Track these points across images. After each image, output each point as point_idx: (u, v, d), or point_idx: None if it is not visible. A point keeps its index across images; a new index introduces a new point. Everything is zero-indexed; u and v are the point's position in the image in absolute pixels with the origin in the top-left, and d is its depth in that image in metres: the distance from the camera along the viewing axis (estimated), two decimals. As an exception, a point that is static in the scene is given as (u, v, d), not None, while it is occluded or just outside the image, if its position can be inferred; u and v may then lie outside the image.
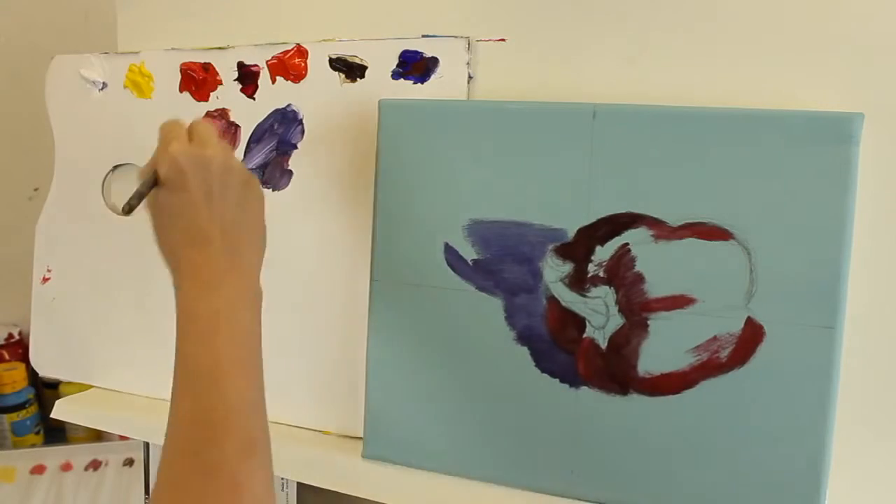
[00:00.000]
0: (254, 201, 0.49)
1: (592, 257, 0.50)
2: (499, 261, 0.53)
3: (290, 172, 0.63)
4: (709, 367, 0.48)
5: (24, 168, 1.07)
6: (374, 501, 0.59)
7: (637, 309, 0.49)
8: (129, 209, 0.47)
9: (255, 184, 0.49)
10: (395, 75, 0.58)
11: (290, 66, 0.62)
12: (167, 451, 0.41)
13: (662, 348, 0.49)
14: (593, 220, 0.50)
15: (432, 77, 0.57)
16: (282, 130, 0.63)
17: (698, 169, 0.47)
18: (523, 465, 0.53)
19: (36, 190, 1.08)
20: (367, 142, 0.58)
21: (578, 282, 0.51)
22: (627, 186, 0.49)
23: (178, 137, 0.47)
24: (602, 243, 0.50)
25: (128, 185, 0.70)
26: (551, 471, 0.52)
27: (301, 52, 0.62)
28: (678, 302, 0.48)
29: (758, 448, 0.47)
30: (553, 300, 0.52)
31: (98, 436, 1.07)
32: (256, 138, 0.64)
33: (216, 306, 0.44)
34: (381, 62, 0.59)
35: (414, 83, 0.57)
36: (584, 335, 0.51)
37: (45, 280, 0.74)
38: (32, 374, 1.06)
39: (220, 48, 0.65)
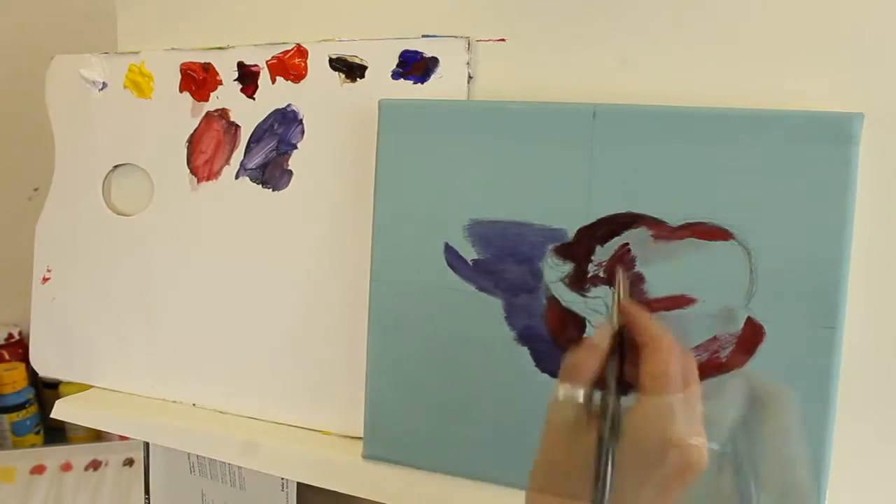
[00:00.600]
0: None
1: (592, 257, 0.50)
2: (499, 261, 0.53)
3: (290, 172, 0.63)
4: (709, 367, 0.48)
5: (24, 168, 1.07)
6: (374, 501, 0.59)
7: (637, 309, 0.49)
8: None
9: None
10: (395, 75, 0.58)
11: (290, 66, 0.62)
12: None
13: (662, 348, 0.49)
14: (593, 220, 0.50)
15: (432, 77, 0.57)
16: (282, 130, 0.63)
17: (698, 169, 0.47)
18: (524, 465, 0.53)
19: (36, 190, 1.08)
20: (367, 142, 0.58)
21: (578, 282, 0.51)
22: (627, 186, 0.49)
23: (679, 403, 0.36)
24: (602, 243, 0.50)
25: (128, 186, 0.71)
26: (551, 471, 0.52)
27: (301, 52, 0.62)
28: (678, 302, 0.48)
29: (757, 448, 0.47)
30: (553, 300, 0.52)
31: (98, 436, 1.07)
32: (256, 138, 0.64)
33: None
34: (381, 62, 0.59)
35: (414, 83, 0.57)
36: (584, 335, 0.51)
37: (45, 280, 0.74)
38: (32, 374, 1.06)
39: (220, 48, 0.65)
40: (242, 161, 0.64)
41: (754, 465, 0.36)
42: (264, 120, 0.63)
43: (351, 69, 0.60)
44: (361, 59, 0.59)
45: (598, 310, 0.50)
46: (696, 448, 0.35)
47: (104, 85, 0.70)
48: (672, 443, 0.34)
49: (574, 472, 0.36)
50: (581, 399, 0.38)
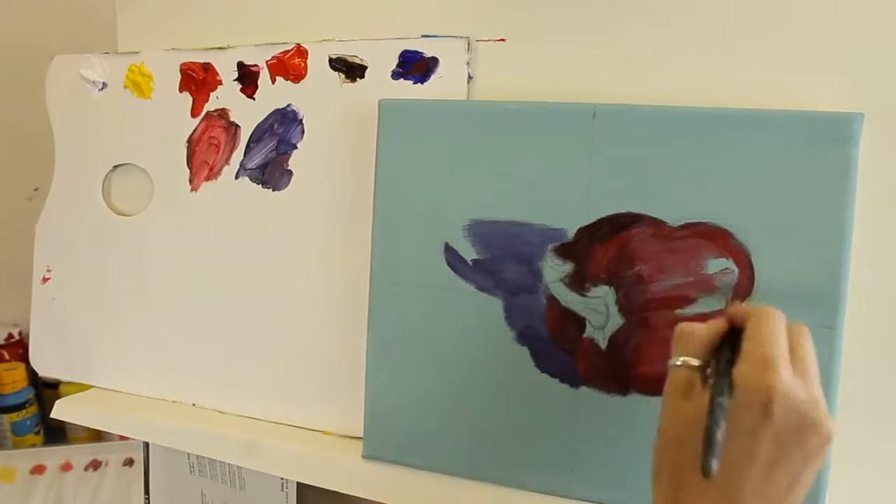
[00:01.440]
0: (812, 473, 0.35)
1: (592, 257, 0.50)
2: (499, 261, 0.53)
3: (290, 172, 0.63)
4: (709, 367, 0.48)
5: (24, 168, 1.07)
6: (374, 501, 0.59)
7: (637, 309, 0.49)
8: (708, 469, 0.34)
9: (826, 450, 0.36)
10: (395, 75, 0.58)
11: (290, 66, 0.62)
12: None
13: (662, 348, 0.49)
14: (593, 220, 0.50)
15: (432, 77, 0.57)
16: (282, 130, 0.63)
17: (698, 169, 0.47)
18: (523, 465, 0.53)
19: (36, 190, 1.08)
20: (367, 142, 0.58)
21: (578, 282, 0.51)
22: (627, 186, 0.49)
23: (779, 359, 0.35)
24: (602, 243, 0.50)
25: (128, 186, 0.71)
26: (551, 471, 0.52)
27: (301, 52, 0.62)
28: (678, 302, 0.48)
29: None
30: (553, 300, 0.52)
31: (98, 436, 1.07)
32: (256, 138, 0.64)
33: None
34: (381, 62, 0.59)
35: (414, 83, 0.57)
36: (584, 335, 0.51)
37: (45, 280, 0.74)
38: (32, 374, 1.06)
39: (220, 48, 0.65)
40: (242, 161, 0.64)
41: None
42: (264, 120, 0.63)
43: (351, 69, 0.60)
44: (361, 59, 0.59)
45: (598, 310, 0.50)
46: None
47: (104, 85, 0.70)
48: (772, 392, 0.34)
49: (689, 438, 0.36)
50: (696, 363, 0.38)
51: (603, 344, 0.50)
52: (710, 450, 0.34)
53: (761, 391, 0.34)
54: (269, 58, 0.63)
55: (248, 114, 0.64)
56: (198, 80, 0.66)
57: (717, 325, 0.39)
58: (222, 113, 0.65)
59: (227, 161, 0.65)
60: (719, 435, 0.34)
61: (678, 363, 0.39)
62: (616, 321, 0.50)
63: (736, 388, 0.35)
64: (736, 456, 0.34)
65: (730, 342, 0.38)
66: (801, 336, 0.38)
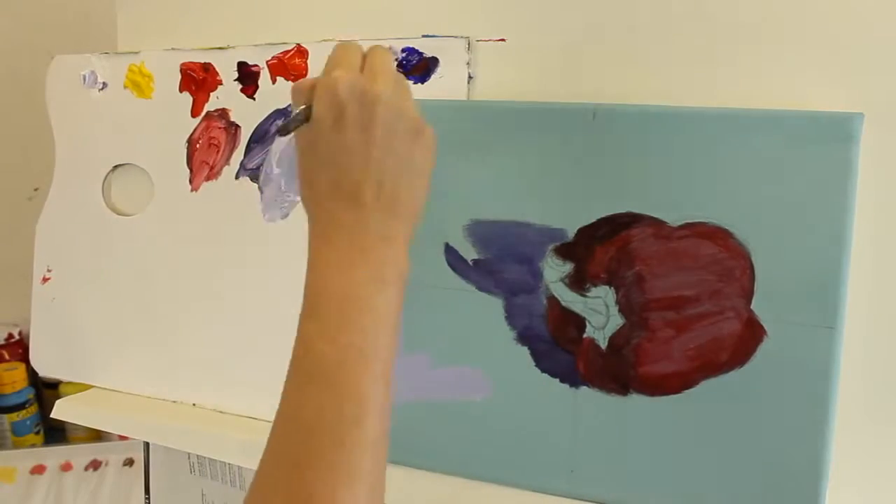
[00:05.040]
0: (420, 157, 0.41)
1: (592, 257, 0.50)
2: (499, 261, 0.53)
3: (290, 172, 0.63)
4: (709, 367, 0.48)
5: (24, 168, 1.07)
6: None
7: (637, 309, 0.49)
8: (283, 132, 0.40)
9: (427, 136, 0.41)
10: (395, 75, 0.58)
11: (290, 66, 0.62)
12: (272, 457, 0.36)
13: (662, 348, 0.49)
14: (593, 220, 0.50)
15: (432, 77, 0.57)
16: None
17: (698, 169, 0.47)
18: (524, 465, 0.53)
19: (36, 190, 1.08)
20: (367, 142, 0.58)
21: (578, 282, 0.51)
22: (627, 186, 0.49)
23: (345, 64, 0.39)
24: (602, 243, 0.50)
25: (128, 186, 0.71)
26: (551, 471, 0.52)
27: (301, 52, 0.62)
28: (678, 302, 0.48)
29: (757, 448, 0.47)
30: (553, 300, 0.52)
31: (98, 436, 1.07)
32: (257, 138, 0.64)
33: (356, 282, 0.37)
34: (381, 62, 0.58)
35: (414, 83, 0.57)
36: (584, 335, 0.51)
37: (45, 280, 0.74)
38: (32, 374, 1.06)
39: (220, 48, 0.65)
40: (242, 161, 0.64)
41: None
42: (264, 120, 0.63)
43: (351, 69, 0.60)
44: (361, 59, 0.59)
45: (598, 310, 0.50)
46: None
47: (104, 85, 0.70)
48: None
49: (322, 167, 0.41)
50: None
51: (603, 344, 0.50)
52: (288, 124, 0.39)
53: (327, 87, 0.38)
54: (270, 58, 0.63)
55: (249, 114, 0.64)
56: (198, 80, 0.66)
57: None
58: (222, 113, 0.65)
59: (227, 161, 0.65)
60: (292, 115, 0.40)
61: (297, 111, 0.40)
62: (616, 321, 0.50)
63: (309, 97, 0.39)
64: (333, 152, 0.38)
65: None
66: (373, 51, 0.41)
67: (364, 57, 0.41)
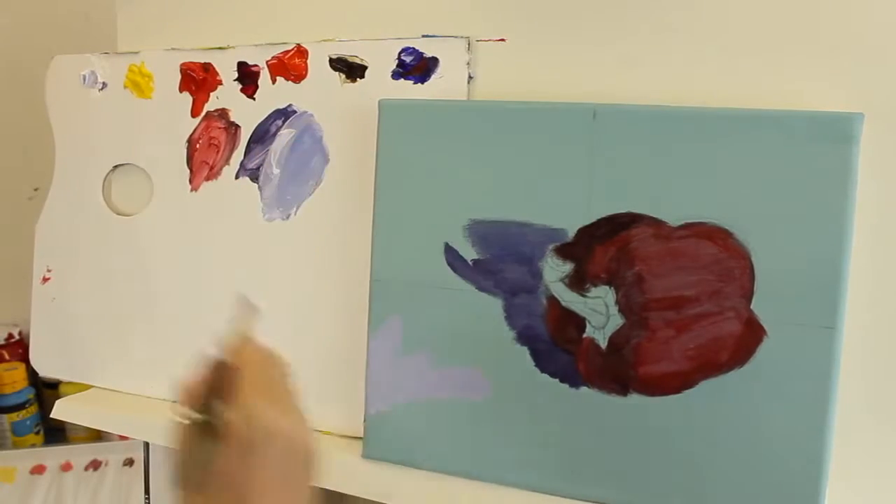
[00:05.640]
0: (298, 484, 0.41)
1: (592, 257, 0.50)
2: (499, 261, 0.53)
3: (290, 172, 0.63)
4: (709, 367, 0.48)
5: (24, 168, 1.07)
6: (374, 501, 0.59)
7: (637, 309, 0.49)
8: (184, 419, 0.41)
9: (310, 467, 0.42)
10: (395, 75, 0.58)
11: (290, 66, 0.62)
12: None
13: (662, 348, 0.49)
14: (593, 220, 0.50)
15: (432, 77, 0.57)
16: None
17: (698, 169, 0.47)
18: (524, 465, 0.53)
19: (36, 190, 1.08)
20: (367, 142, 0.58)
21: (578, 282, 0.51)
22: (627, 186, 0.49)
23: (260, 392, 0.40)
24: (602, 243, 0.50)
25: (128, 186, 0.71)
26: (551, 471, 0.52)
27: (301, 52, 0.62)
28: (678, 302, 0.48)
29: (757, 448, 0.47)
30: (553, 300, 0.52)
31: (98, 436, 1.07)
32: (257, 138, 0.64)
33: None
34: (381, 62, 0.59)
35: (414, 83, 0.57)
36: (584, 335, 0.51)
37: (45, 280, 0.74)
38: (32, 374, 1.06)
39: (220, 48, 0.65)
40: (242, 161, 0.64)
41: None
42: (265, 120, 0.63)
43: (351, 69, 0.60)
44: (361, 59, 0.59)
45: (598, 310, 0.50)
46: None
47: (104, 85, 0.70)
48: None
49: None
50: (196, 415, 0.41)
51: (603, 344, 0.50)
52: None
53: (240, 425, 0.38)
54: (270, 58, 0.63)
55: (249, 114, 0.64)
56: (198, 80, 0.66)
57: (206, 375, 0.43)
58: (222, 113, 0.65)
59: (227, 161, 0.65)
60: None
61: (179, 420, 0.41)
62: (616, 321, 0.50)
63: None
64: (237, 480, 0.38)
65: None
66: (280, 372, 0.43)
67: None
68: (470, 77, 0.56)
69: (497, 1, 0.55)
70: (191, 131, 0.67)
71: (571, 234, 0.51)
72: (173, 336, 0.68)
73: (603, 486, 0.51)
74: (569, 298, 0.51)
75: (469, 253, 0.54)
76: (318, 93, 0.61)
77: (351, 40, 0.60)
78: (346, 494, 0.59)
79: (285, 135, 0.62)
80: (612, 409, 0.50)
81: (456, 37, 0.56)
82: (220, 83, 0.65)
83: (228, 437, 0.38)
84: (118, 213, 0.71)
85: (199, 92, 0.66)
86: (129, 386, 0.71)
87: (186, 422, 0.41)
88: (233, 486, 0.38)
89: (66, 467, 1.02)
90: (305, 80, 0.62)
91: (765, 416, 0.47)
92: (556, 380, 0.52)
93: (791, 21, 0.47)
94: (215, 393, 0.41)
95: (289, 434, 0.40)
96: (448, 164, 0.54)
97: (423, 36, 0.57)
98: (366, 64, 0.59)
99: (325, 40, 0.61)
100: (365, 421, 0.57)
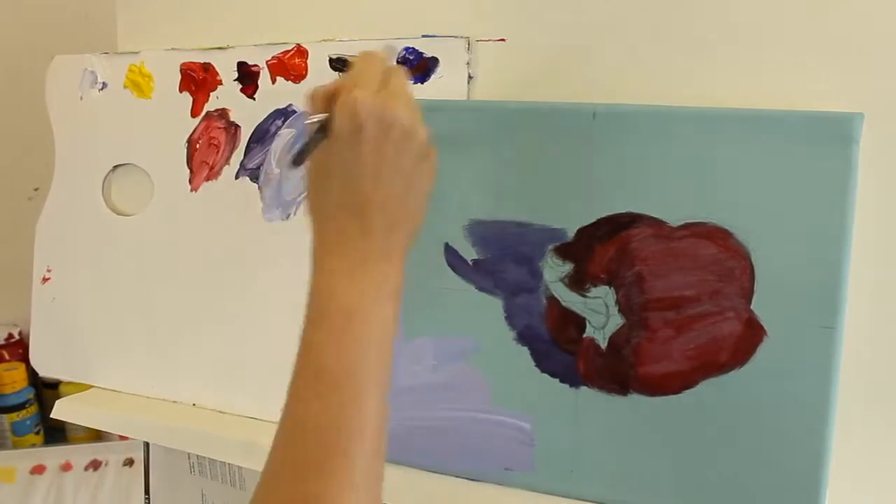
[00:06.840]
0: (425, 178, 0.43)
1: (592, 257, 0.50)
2: (499, 261, 0.53)
3: (290, 172, 0.63)
4: (709, 367, 0.48)
5: (24, 168, 1.07)
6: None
7: (637, 309, 0.49)
8: (297, 161, 0.41)
9: (432, 158, 0.43)
10: (395, 75, 0.58)
11: (290, 66, 0.62)
12: (276, 464, 0.37)
13: (662, 348, 0.49)
14: (593, 220, 0.50)
15: (432, 77, 0.57)
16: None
17: (698, 169, 0.47)
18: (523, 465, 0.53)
19: (36, 190, 1.08)
20: (367, 142, 0.58)
21: (578, 282, 0.51)
22: (627, 186, 0.49)
23: (366, 82, 0.41)
24: (602, 243, 0.50)
25: (128, 186, 0.71)
26: (551, 471, 0.52)
27: (301, 52, 0.62)
28: (678, 302, 0.48)
29: (757, 448, 0.47)
30: (553, 300, 0.52)
31: (98, 436, 1.07)
32: (257, 138, 0.64)
33: (361, 294, 0.39)
34: (381, 62, 0.58)
35: (414, 83, 0.57)
36: (584, 335, 0.51)
37: (45, 280, 0.74)
38: (32, 374, 1.06)
39: (220, 48, 0.65)
40: (242, 161, 0.64)
41: None
42: (264, 120, 0.63)
43: (351, 69, 0.60)
44: (361, 59, 0.59)
45: (598, 310, 0.50)
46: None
47: (104, 85, 0.70)
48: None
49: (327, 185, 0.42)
50: (325, 116, 0.42)
51: (603, 344, 0.50)
52: (298, 145, 0.40)
53: (347, 106, 0.39)
54: (270, 58, 0.63)
55: (248, 114, 0.64)
56: (198, 80, 0.66)
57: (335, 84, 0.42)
58: (222, 113, 0.65)
59: (227, 161, 0.65)
60: (306, 135, 0.41)
61: (310, 120, 0.42)
62: (616, 321, 0.50)
63: (333, 113, 0.40)
64: (347, 167, 0.40)
65: None
66: (393, 72, 0.43)
67: (385, 75, 0.42)
68: (470, 77, 0.56)
69: (497, 1, 0.55)
70: (191, 131, 0.67)
71: (571, 233, 0.51)
72: (173, 336, 0.68)
73: (603, 487, 0.51)
74: (569, 298, 0.51)
75: (469, 253, 0.54)
76: (318, 93, 0.61)
77: (351, 40, 0.60)
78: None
79: (285, 135, 0.62)
80: (612, 409, 0.50)
81: (456, 37, 0.56)
82: (220, 83, 0.65)
83: (344, 126, 0.39)
84: (118, 213, 0.71)
85: (199, 92, 0.66)
86: (129, 386, 0.71)
87: (314, 121, 0.41)
88: (349, 174, 0.39)
89: (66, 467, 1.02)
90: (305, 80, 0.62)
91: (765, 416, 0.46)
92: (556, 380, 0.52)
93: (791, 21, 0.47)
94: (335, 97, 0.41)
95: (403, 124, 0.40)
96: (448, 164, 0.54)
97: (423, 36, 0.57)
98: (366, 64, 0.59)
99: (325, 40, 0.61)
100: (365, 421, 0.57)
